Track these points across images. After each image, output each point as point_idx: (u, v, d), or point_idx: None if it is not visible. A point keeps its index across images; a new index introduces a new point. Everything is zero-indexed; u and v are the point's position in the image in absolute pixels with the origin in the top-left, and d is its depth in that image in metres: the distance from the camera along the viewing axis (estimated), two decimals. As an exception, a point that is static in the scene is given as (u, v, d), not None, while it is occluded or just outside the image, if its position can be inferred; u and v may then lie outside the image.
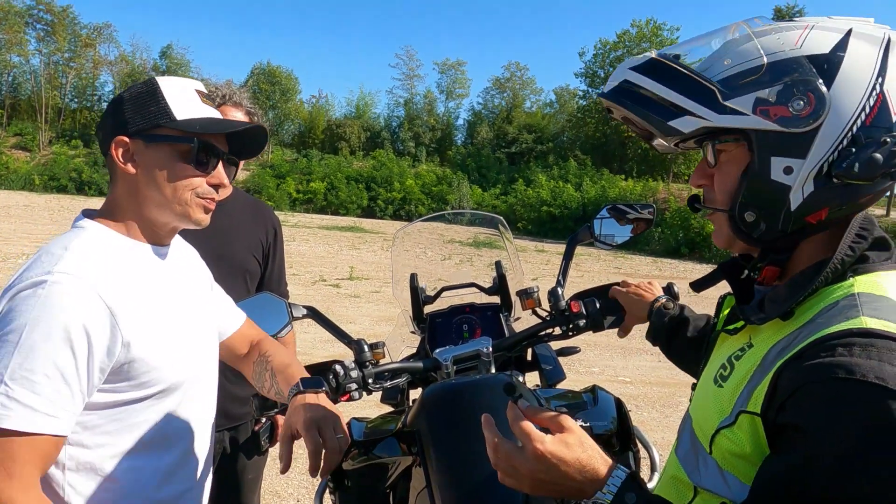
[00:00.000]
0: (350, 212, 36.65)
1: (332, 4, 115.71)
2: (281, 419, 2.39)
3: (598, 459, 0.89)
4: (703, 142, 0.99)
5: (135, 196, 1.25)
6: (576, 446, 0.89)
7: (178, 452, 1.31)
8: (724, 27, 1.00)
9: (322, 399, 1.33)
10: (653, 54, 0.97)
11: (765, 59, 0.90)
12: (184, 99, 1.26)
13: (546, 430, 0.90)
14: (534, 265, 16.48)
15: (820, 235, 0.95)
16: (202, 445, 1.39)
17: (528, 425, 0.90)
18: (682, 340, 1.52)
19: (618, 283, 1.79)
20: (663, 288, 1.67)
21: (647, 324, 1.71)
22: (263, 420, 2.29)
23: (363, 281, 12.70)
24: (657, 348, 1.61)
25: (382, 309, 9.84)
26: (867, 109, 0.86)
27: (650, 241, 24.07)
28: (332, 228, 26.12)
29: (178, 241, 1.42)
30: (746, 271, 1.08)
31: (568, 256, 1.89)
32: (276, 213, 2.46)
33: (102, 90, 53.47)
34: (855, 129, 0.87)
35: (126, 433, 1.22)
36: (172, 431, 1.30)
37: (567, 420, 0.91)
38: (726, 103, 0.90)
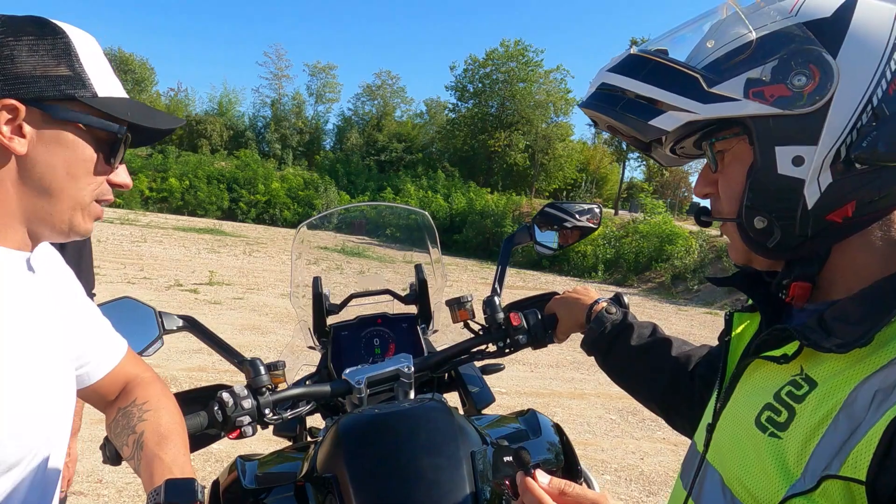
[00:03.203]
0: (209, 213, 34.53)
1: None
2: None
3: None
4: (703, 143, 0.83)
5: (14, 185, 0.87)
6: None
7: None
8: (711, 10, 0.84)
9: None
10: (633, 50, 0.83)
11: (753, 35, 0.75)
12: (101, 68, 0.93)
13: None
14: (403, 275, 16.10)
15: (857, 238, 0.76)
16: None
17: None
18: (623, 350, 1.32)
19: (556, 293, 1.59)
20: (611, 299, 1.47)
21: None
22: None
23: (224, 286, 11.84)
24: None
25: (246, 316, 9.20)
26: (888, 76, 0.70)
27: (514, 253, 24.48)
28: (189, 230, 24.35)
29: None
30: (765, 286, 0.89)
31: (504, 261, 1.64)
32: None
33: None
34: (875, 100, 0.70)
35: None
36: None
37: (607, 500, 0.69)
38: (712, 90, 0.76)
